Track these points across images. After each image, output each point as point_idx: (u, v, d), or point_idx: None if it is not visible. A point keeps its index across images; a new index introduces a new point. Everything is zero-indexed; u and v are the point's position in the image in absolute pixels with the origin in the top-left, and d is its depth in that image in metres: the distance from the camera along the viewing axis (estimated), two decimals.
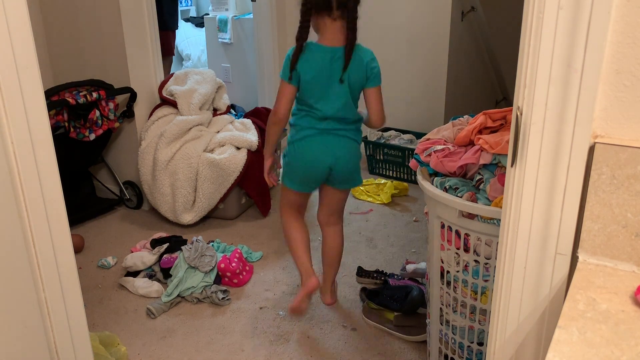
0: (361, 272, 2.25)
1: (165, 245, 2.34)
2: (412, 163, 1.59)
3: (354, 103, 1.80)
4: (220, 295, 2.11)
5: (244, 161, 2.72)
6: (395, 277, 2.18)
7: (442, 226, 1.41)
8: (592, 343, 0.65)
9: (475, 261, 1.35)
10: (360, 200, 3.10)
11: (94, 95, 2.58)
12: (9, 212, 1.01)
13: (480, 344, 1.46)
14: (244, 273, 2.30)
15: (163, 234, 2.50)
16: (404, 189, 3.18)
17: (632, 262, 0.78)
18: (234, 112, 3.22)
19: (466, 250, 1.36)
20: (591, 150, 0.77)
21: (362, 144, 3.49)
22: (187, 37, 6.04)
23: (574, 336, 0.66)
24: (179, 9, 4.54)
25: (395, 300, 1.98)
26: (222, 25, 4.91)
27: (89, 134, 2.63)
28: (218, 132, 2.86)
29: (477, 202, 1.32)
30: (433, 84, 3.50)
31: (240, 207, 2.90)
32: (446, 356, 1.57)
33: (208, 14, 5.03)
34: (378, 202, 3.07)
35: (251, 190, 2.82)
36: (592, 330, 0.67)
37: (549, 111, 0.77)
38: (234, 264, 2.25)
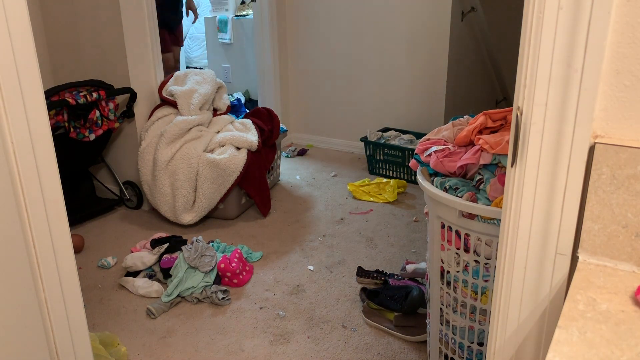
0: (361, 272, 2.25)
1: (165, 245, 2.34)
2: (412, 163, 1.59)
3: None
4: (220, 295, 2.11)
5: (244, 161, 2.72)
6: (395, 277, 2.18)
7: (442, 226, 1.41)
8: (592, 343, 0.65)
9: (475, 261, 1.35)
10: (362, 200, 3.10)
11: (94, 95, 2.58)
12: (9, 212, 1.01)
13: (480, 344, 1.46)
14: (244, 273, 2.30)
15: (163, 234, 2.50)
16: (404, 185, 3.21)
17: (632, 262, 0.78)
18: (243, 106, 3.29)
19: (466, 250, 1.37)
20: (591, 150, 0.77)
21: (362, 144, 3.54)
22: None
23: (574, 336, 0.66)
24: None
25: (395, 300, 1.98)
26: (222, 25, 4.91)
27: (89, 134, 2.63)
28: (218, 132, 2.86)
29: (477, 202, 1.32)
30: (433, 84, 3.50)
31: (240, 207, 2.90)
32: (446, 356, 1.57)
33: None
34: (382, 201, 3.06)
35: (251, 190, 2.82)
36: (592, 330, 0.67)
37: (549, 111, 0.77)
38: (234, 264, 2.25)
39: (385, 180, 3.23)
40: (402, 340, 1.90)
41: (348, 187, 3.21)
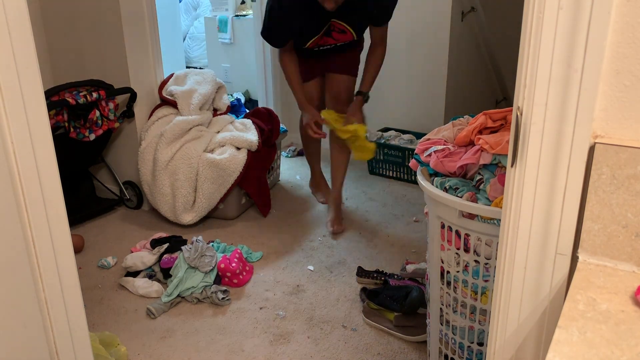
0: (361, 272, 2.25)
1: (165, 245, 2.34)
2: (412, 163, 1.59)
3: None
4: (220, 296, 2.11)
5: (244, 161, 2.72)
6: (395, 277, 2.18)
7: (442, 226, 1.41)
8: (592, 343, 0.65)
9: (475, 261, 1.35)
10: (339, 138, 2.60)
11: (94, 95, 2.58)
12: (9, 212, 1.01)
13: (480, 344, 1.46)
14: (244, 273, 2.30)
15: (163, 234, 2.50)
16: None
17: (632, 262, 0.78)
18: (243, 106, 3.28)
19: (466, 250, 1.36)
20: (591, 150, 0.77)
21: None
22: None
23: (574, 336, 0.66)
24: None
25: (395, 300, 1.98)
26: (222, 25, 4.91)
27: (89, 134, 2.63)
28: (218, 132, 2.86)
29: (477, 202, 1.32)
30: (433, 84, 3.50)
31: (240, 207, 2.90)
32: (446, 356, 1.57)
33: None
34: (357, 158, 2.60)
35: (251, 190, 2.82)
36: (592, 330, 0.67)
37: (549, 111, 0.77)
38: (234, 264, 2.25)
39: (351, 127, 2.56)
40: (402, 340, 1.90)
41: (322, 114, 2.61)
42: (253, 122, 2.98)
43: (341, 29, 2.52)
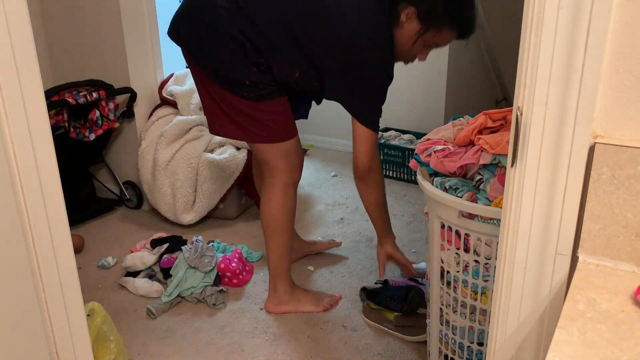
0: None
1: (165, 245, 2.34)
2: (412, 163, 1.59)
3: None
4: (213, 301, 2.09)
5: (244, 161, 2.72)
6: (395, 277, 2.18)
7: (442, 226, 1.41)
8: (592, 343, 0.65)
9: (475, 261, 1.35)
10: None
11: (94, 95, 2.58)
12: (9, 212, 1.01)
13: (480, 344, 1.46)
14: (244, 273, 2.30)
15: (163, 234, 2.50)
16: None
17: (632, 262, 0.78)
18: None
19: (466, 250, 1.36)
20: (591, 150, 0.77)
21: None
22: None
23: (574, 336, 0.66)
24: None
25: (395, 300, 1.98)
26: None
27: (89, 134, 2.63)
28: None
29: (477, 202, 1.32)
30: (433, 84, 3.50)
31: (240, 207, 2.90)
32: (446, 356, 1.57)
33: None
34: None
35: (251, 190, 2.82)
36: (592, 330, 0.67)
37: (549, 111, 0.77)
38: (234, 264, 2.25)
39: None
40: (402, 340, 1.90)
41: None
42: None
43: None
